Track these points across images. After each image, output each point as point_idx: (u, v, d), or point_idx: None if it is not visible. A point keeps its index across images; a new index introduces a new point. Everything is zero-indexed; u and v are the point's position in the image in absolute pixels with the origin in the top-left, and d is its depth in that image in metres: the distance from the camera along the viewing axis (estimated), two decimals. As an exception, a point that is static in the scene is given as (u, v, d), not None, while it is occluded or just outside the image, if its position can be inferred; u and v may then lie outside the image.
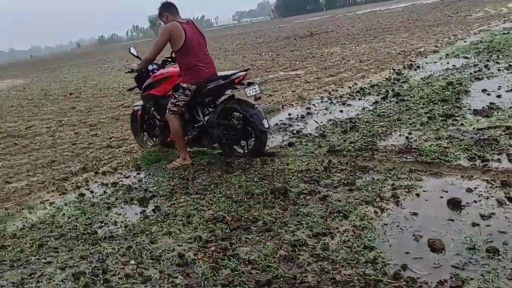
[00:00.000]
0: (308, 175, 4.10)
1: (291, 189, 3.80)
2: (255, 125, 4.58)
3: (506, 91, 6.01)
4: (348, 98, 7.30)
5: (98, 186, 4.79)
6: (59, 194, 4.72)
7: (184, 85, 4.72)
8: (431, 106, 5.80)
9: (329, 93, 7.93)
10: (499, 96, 5.79)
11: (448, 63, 9.08)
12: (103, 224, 3.74)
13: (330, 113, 6.47)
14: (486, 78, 7.06)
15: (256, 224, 3.31)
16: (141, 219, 3.73)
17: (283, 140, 5.44)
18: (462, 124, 4.91)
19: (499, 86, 6.30)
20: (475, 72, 7.66)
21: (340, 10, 71.11)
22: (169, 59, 5.42)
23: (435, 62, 9.51)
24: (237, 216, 3.46)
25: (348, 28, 25.33)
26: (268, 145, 5.13)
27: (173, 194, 4.18)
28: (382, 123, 5.40)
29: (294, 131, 5.73)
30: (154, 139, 5.67)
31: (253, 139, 4.76)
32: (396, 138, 4.79)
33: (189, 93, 4.72)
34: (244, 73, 4.79)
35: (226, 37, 41.55)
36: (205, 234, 3.26)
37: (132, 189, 4.50)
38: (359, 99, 7.10)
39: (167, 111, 4.83)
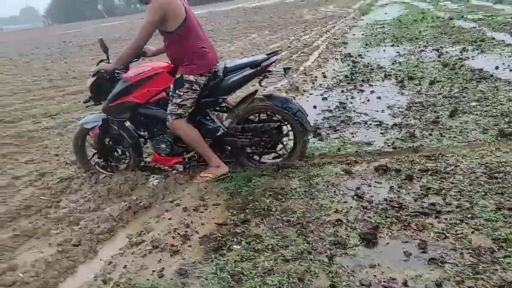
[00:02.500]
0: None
1: None
2: (300, 126, 3.59)
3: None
4: (352, 86, 6.44)
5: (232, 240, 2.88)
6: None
7: (190, 77, 3.45)
8: (484, 84, 5.40)
9: (313, 83, 6.90)
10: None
11: (384, 51, 9.06)
12: None
13: (369, 100, 5.51)
14: (469, 58, 7.06)
15: None
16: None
17: (383, 133, 4.30)
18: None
19: (497, 65, 6.41)
20: (442, 54, 7.68)
21: (125, 17, 63.37)
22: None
23: (367, 51, 9.36)
24: None
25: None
26: (372, 141, 4.15)
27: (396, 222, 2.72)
28: (475, 103, 4.75)
29: (377, 123, 4.61)
30: (118, 165, 4.15)
31: (292, 143, 3.76)
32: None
33: (198, 88, 3.49)
34: (277, 57, 3.68)
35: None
36: None
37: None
38: (370, 85, 6.30)
39: (170, 116, 3.55)
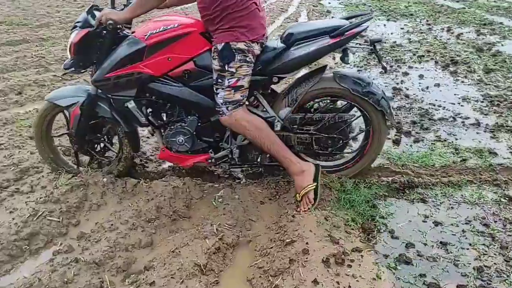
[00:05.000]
0: None
1: None
2: (381, 117, 2.60)
3: None
4: (388, 66, 5.52)
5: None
6: None
7: (240, 45, 2.33)
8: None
9: (334, 59, 5.86)
10: None
11: (385, 25, 8.28)
12: None
13: (428, 88, 4.63)
14: (497, 43, 6.42)
15: None
16: None
17: (494, 137, 3.42)
18: None
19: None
20: (459, 35, 6.97)
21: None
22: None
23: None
24: None
25: None
26: (493, 149, 3.25)
27: None
28: None
29: (473, 122, 3.72)
30: (103, 159, 2.99)
31: (367, 140, 2.74)
32: None
33: (253, 59, 2.40)
34: (369, 23, 2.66)
35: None
36: None
37: None
38: (410, 67, 5.42)
39: (225, 107, 2.44)
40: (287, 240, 2.20)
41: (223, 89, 2.38)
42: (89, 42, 2.48)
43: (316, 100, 2.66)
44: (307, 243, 2.16)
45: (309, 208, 2.40)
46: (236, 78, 2.36)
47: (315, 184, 2.43)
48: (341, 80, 2.54)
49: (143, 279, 2.05)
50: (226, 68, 2.34)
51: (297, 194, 2.48)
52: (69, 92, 2.79)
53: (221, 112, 2.44)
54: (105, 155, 2.97)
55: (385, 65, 2.66)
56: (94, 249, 2.27)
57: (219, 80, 2.38)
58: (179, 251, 2.20)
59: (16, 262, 2.26)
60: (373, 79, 4.84)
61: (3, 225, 2.43)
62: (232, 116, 2.43)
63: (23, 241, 2.35)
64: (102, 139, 2.90)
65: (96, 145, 2.92)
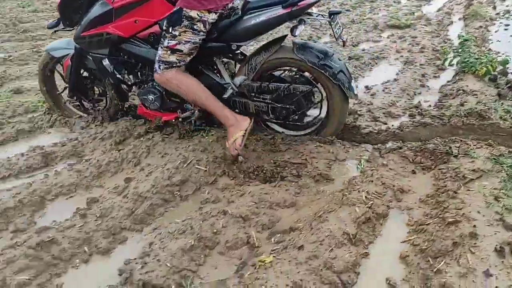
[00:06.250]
0: None
1: None
2: (340, 92, 2.54)
3: None
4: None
5: None
6: None
7: (193, 13, 2.35)
8: None
9: (494, 8, 5.06)
10: None
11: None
12: None
13: None
14: None
15: None
16: None
17: None
18: None
19: None
20: None
21: None
22: None
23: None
24: None
25: None
26: None
27: None
28: None
29: None
30: (94, 106, 3.24)
31: (325, 113, 2.71)
32: None
33: (203, 28, 2.40)
34: None
35: None
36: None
37: None
38: None
39: (158, 65, 2.53)
40: (450, 219, 1.96)
41: (161, 48, 2.47)
42: (69, 3, 2.73)
43: (283, 68, 2.68)
44: (474, 225, 1.91)
45: (235, 154, 2.53)
46: (176, 42, 2.41)
47: (244, 131, 2.50)
48: (299, 51, 2.51)
49: (289, 240, 1.99)
50: (170, 30, 2.41)
51: (227, 142, 2.54)
52: (63, 44, 3.04)
53: (155, 70, 2.54)
54: (96, 100, 3.21)
55: (342, 39, 2.52)
56: (239, 203, 2.26)
57: (161, 39, 2.47)
58: (327, 217, 2.08)
59: (168, 206, 2.35)
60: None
61: (157, 169, 2.53)
62: (163, 75, 2.53)
63: (174, 186, 2.42)
64: (93, 88, 3.16)
65: (88, 94, 3.15)
